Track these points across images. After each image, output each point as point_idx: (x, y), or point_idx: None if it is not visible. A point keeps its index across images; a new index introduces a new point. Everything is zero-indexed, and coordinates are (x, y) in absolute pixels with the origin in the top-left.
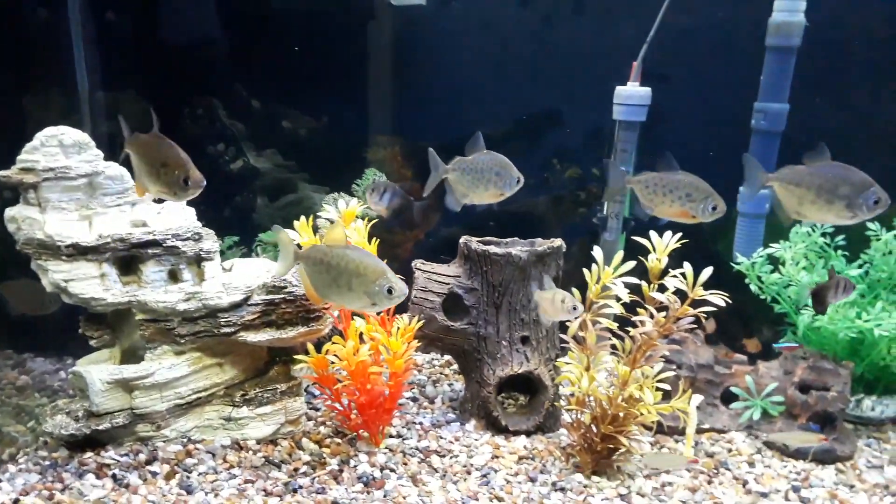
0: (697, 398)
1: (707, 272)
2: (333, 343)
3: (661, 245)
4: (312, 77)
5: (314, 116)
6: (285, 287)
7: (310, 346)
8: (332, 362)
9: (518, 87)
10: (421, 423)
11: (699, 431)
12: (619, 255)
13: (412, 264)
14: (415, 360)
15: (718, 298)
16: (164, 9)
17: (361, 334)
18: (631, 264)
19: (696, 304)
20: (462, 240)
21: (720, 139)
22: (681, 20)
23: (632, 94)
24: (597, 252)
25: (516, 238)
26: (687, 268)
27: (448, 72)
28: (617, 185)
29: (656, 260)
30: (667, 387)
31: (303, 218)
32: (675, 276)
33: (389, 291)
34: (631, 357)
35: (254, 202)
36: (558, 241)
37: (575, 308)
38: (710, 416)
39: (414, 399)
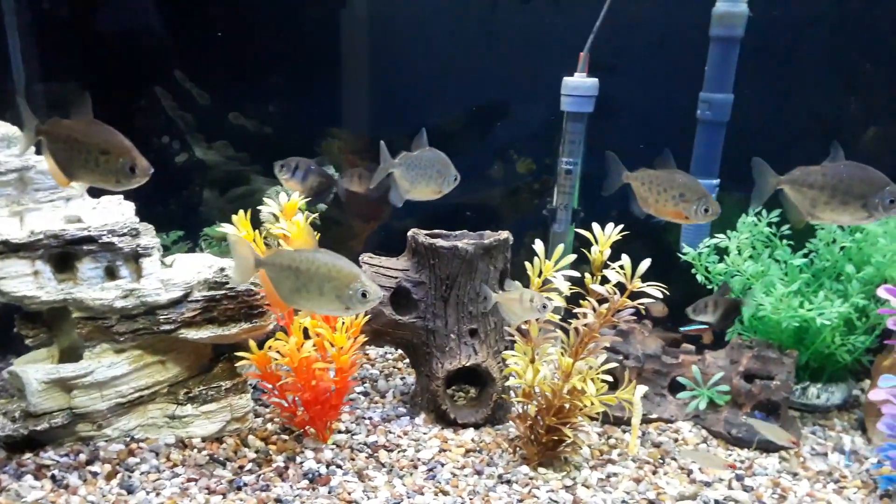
0: (642, 389)
1: (645, 264)
2: (277, 339)
3: (604, 237)
4: (265, 68)
5: (267, 108)
6: (226, 283)
7: (252, 343)
8: (276, 359)
9: (469, 79)
10: (371, 418)
11: (647, 421)
12: (560, 248)
13: (360, 258)
14: (367, 354)
15: (656, 290)
16: None
17: (306, 330)
18: (572, 257)
19: (637, 295)
20: (410, 233)
21: (668, 129)
22: (628, 9)
23: (578, 85)
24: (538, 246)
25: (465, 231)
26: (625, 260)
27: (399, 64)
28: (615, 179)
29: (598, 252)
30: (609, 378)
31: (241, 212)
32: (613, 268)
33: (363, 295)
34: (573, 349)
35: (200, 196)
36: (504, 234)
37: (545, 306)
38: (657, 406)
39: (366, 393)
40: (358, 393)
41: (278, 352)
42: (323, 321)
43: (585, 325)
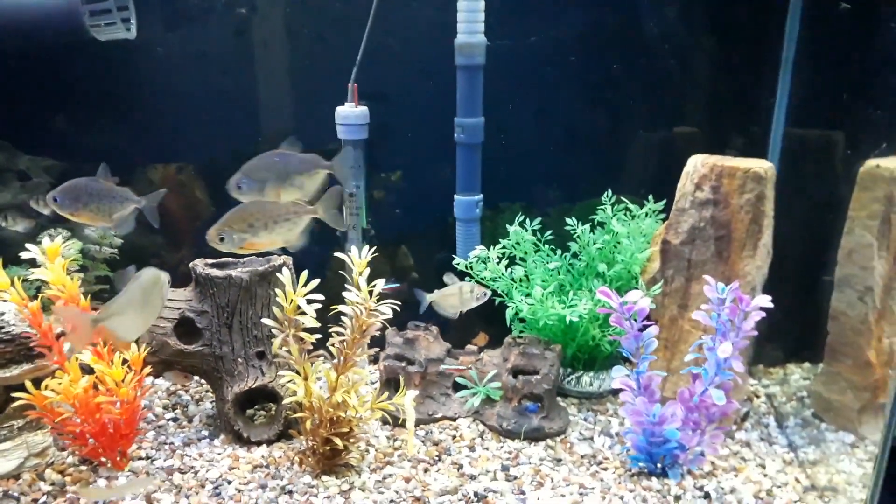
0: (412, 393)
1: (381, 283)
2: (54, 378)
3: (358, 259)
4: (53, 110)
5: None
6: (2, 328)
7: (28, 383)
8: (50, 397)
9: (254, 111)
10: (172, 443)
11: (433, 420)
12: (304, 274)
13: None
14: (179, 380)
15: (388, 308)
16: None
17: (90, 367)
18: (316, 282)
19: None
20: (191, 264)
21: (437, 151)
22: (389, 42)
23: (348, 115)
24: (285, 274)
25: (254, 257)
26: (363, 282)
27: (187, 101)
28: None
29: (357, 273)
30: (367, 388)
31: None
32: (349, 290)
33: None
34: (336, 364)
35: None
36: (281, 260)
37: (485, 294)
38: (443, 406)
39: (175, 419)
40: (168, 420)
41: (53, 390)
42: (97, 357)
43: (342, 341)
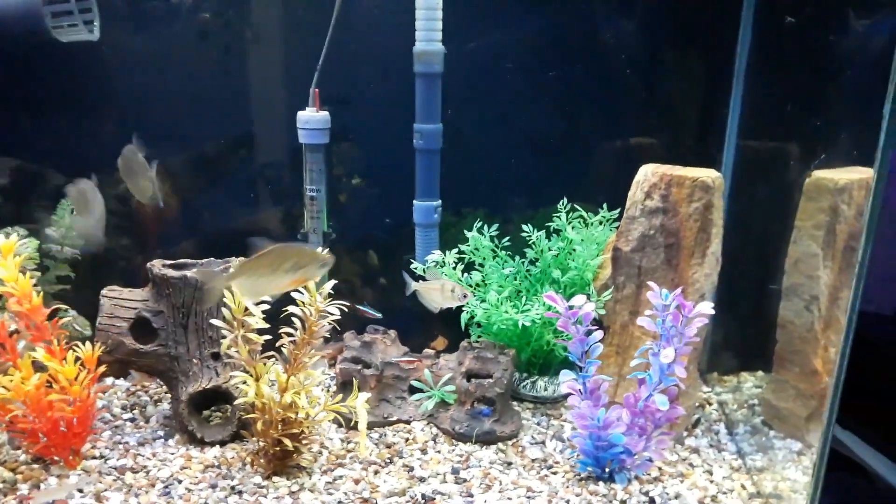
0: (364, 395)
1: (329, 285)
2: (6, 375)
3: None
4: (18, 112)
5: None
6: None
7: None
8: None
9: (213, 116)
10: (127, 443)
11: (388, 423)
12: None
13: (101, 292)
14: (145, 383)
15: (335, 309)
16: None
17: (42, 364)
18: None
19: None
20: (148, 265)
21: (398, 156)
22: (351, 48)
23: (309, 120)
24: None
25: (212, 259)
26: (311, 285)
27: (152, 104)
28: None
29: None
30: (319, 391)
31: None
32: (300, 291)
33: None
34: (288, 365)
35: None
36: (236, 261)
37: (465, 296)
38: (398, 409)
39: (132, 419)
40: (125, 420)
41: (4, 387)
42: (50, 355)
43: (292, 342)
